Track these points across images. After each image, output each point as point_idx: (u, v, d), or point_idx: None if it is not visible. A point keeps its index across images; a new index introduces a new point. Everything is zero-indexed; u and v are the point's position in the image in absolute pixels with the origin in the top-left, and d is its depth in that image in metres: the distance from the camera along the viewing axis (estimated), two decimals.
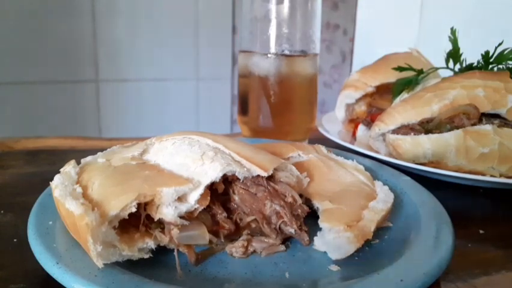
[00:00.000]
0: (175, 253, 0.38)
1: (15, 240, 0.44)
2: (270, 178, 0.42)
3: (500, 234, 0.51)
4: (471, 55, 0.74)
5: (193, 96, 1.59)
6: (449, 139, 0.61)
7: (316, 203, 0.44)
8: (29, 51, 1.32)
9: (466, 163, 0.60)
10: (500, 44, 0.69)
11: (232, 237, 0.42)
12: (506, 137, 0.60)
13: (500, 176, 0.60)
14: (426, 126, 0.65)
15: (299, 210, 0.42)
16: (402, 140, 0.65)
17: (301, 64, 0.77)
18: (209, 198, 0.39)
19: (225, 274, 0.37)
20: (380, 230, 0.43)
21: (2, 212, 0.51)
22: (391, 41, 1.34)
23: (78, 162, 0.44)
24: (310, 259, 0.40)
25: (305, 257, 0.40)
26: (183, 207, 0.37)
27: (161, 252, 0.39)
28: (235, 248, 0.40)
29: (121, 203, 0.35)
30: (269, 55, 0.74)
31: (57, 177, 0.40)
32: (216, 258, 0.40)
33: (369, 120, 0.79)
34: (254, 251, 0.41)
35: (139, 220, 0.37)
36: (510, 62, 0.69)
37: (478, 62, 0.72)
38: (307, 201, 0.45)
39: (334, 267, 0.38)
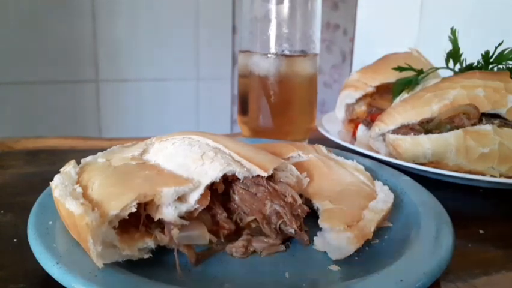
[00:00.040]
0: (175, 253, 0.37)
1: (15, 240, 0.44)
2: (270, 178, 0.42)
3: (500, 234, 0.51)
4: (471, 55, 0.74)
5: (193, 96, 1.58)
6: (449, 139, 0.61)
7: (317, 203, 0.44)
8: (29, 51, 1.32)
9: (466, 163, 0.60)
10: (500, 44, 0.69)
11: (232, 237, 0.41)
12: (506, 137, 0.60)
13: (500, 176, 0.60)
14: (426, 126, 0.65)
15: (299, 210, 0.42)
16: (402, 140, 0.65)
17: (301, 64, 0.77)
18: (209, 198, 0.39)
19: (225, 274, 0.37)
20: (380, 230, 0.43)
21: (2, 212, 0.51)
22: (391, 41, 1.34)
23: (78, 162, 0.44)
24: (311, 259, 0.40)
25: (305, 257, 0.40)
26: (183, 207, 0.37)
27: (161, 252, 0.39)
28: (235, 248, 0.40)
29: (121, 203, 0.35)
30: (269, 55, 0.74)
31: (57, 177, 0.40)
32: (216, 258, 0.40)
33: (369, 120, 0.79)
34: (254, 251, 0.41)
35: (139, 220, 0.37)
36: (510, 62, 0.69)
37: (478, 62, 0.72)
38: (307, 201, 0.45)
39: (334, 267, 0.38)
